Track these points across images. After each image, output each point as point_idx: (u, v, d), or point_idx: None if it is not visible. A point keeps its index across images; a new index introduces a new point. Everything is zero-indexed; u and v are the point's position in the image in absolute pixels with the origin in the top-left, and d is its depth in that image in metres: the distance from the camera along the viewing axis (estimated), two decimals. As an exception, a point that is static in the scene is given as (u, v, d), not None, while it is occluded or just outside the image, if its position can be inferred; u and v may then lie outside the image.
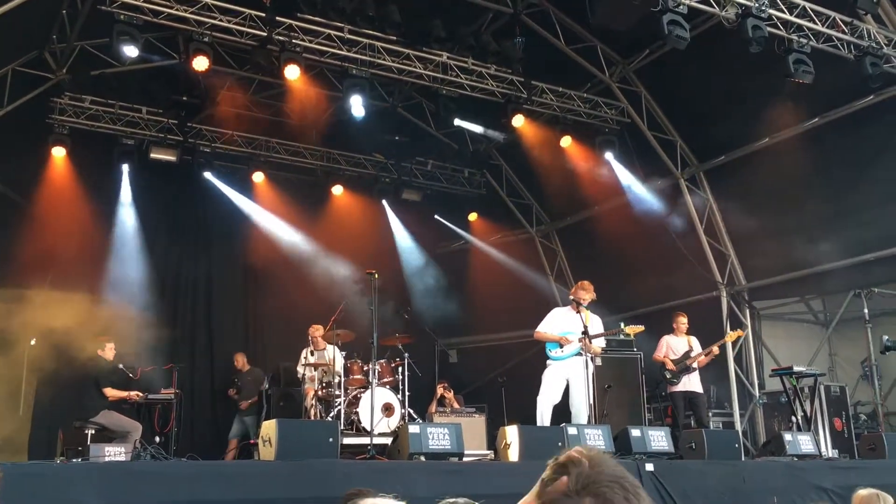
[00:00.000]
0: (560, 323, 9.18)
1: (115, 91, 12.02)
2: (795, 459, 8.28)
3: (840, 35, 9.80)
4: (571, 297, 9.24)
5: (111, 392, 9.05)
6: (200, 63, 9.99)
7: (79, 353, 9.92)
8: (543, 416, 8.96)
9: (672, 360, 10.40)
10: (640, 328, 9.37)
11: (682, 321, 10.56)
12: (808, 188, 11.59)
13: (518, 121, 12.06)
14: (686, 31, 8.95)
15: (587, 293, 9.13)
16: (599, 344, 9.23)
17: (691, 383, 10.34)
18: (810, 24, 9.62)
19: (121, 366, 9.80)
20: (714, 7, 9.19)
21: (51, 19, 10.47)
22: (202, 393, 12.79)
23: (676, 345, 10.50)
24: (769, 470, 7.83)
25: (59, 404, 10.82)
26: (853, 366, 12.73)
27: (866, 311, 9.94)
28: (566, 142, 12.78)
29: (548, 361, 9.19)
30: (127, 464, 5.94)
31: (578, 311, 8.95)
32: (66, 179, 11.84)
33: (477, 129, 13.31)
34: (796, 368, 10.20)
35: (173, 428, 9.43)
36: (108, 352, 9.26)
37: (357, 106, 11.37)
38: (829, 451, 10.55)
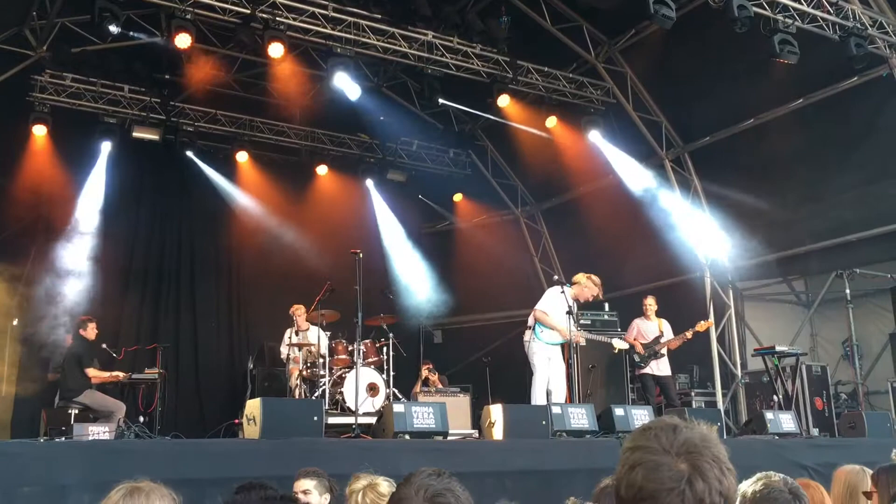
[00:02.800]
0: (558, 305, 9.03)
1: (97, 69, 11.86)
2: (777, 438, 8.36)
3: (825, 15, 9.81)
4: (569, 287, 9.07)
5: (94, 373, 9.02)
6: (183, 41, 9.87)
7: (61, 333, 9.87)
8: (537, 399, 8.99)
9: (642, 344, 10.50)
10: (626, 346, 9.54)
11: (650, 304, 10.65)
12: (792, 169, 11.64)
13: (503, 101, 12.02)
14: (672, 10, 8.94)
15: (598, 289, 9.11)
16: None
17: (660, 368, 10.45)
18: (795, 5, 9.63)
19: (104, 345, 9.77)
20: (700, -13, 9.18)
21: (31, -5, 10.33)
22: (186, 373, 12.76)
23: (646, 328, 10.60)
24: (750, 448, 7.90)
25: (43, 384, 10.77)
26: (834, 346, 12.85)
27: (848, 291, 10.02)
28: (551, 122, 12.76)
29: (533, 342, 9.13)
30: (110, 442, 5.93)
31: (569, 303, 8.84)
32: (47, 158, 11.71)
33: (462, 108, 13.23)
34: (778, 348, 10.31)
35: (157, 407, 9.40)
36: (91, 331, 9.21)
37: (351, 87, 11.31)
38: (809, 429, 10.66)
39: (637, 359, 10.52)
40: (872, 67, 10.39)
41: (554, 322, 8.91)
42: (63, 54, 10.96)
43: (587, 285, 9.07)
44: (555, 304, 9.04)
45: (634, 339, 10.58)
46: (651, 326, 10.57)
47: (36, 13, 10.57)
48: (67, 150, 11.93)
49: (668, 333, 10.54)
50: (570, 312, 8.76)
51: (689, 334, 10.37)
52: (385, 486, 3.55)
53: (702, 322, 10.59)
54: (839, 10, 9.86)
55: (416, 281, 14.56)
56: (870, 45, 9.91)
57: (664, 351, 10.43)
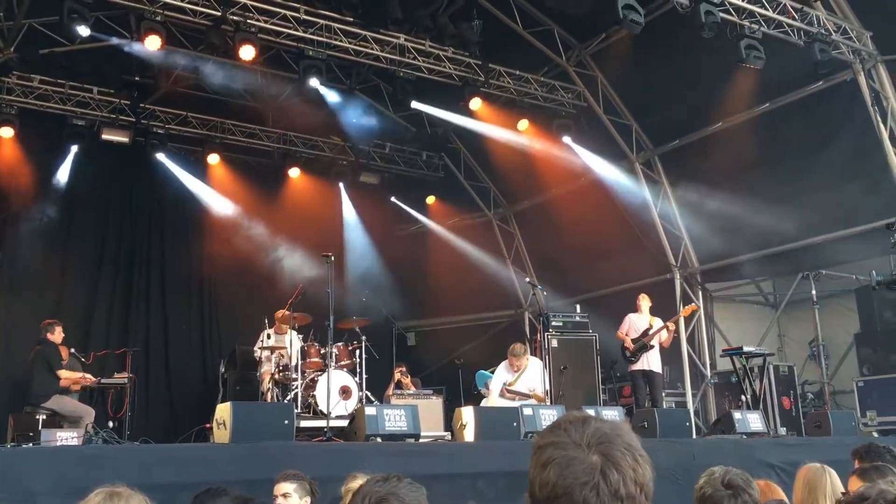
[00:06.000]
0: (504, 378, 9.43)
1: (65, 70, 11.74)
2: (744, 437, 8.47)
3: (790, 21, 9.99)
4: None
5: (64, 374, 8.91)
6: (153, 43, 9.81)
7: (29, 338, 9.75)
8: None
9: (631, 340, 10.54)
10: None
11: (641, 301, 10.70)
12: (759, 172, 11.82)
13: (475, 104, 12.07)
14: (641, 15, 9.05)
15: (518, 360, 9.30)
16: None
17: (650, 363, 10.46)
18: (761, 10, 9.80)
19: (72, 350, 9.65)
20: (668, -8, 9.30)
21: (-3, -4, 10.20)
22: (157, 377, 12.65)
23: (638, 323, 10.63)
24: (719, 447, 8.01)
25: (10, 389, 10.63)
26: (801, 346, 13.04)
27: (814, 292, 10.17)
28: (523, 125, 12.83)
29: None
30: (78, 448, 5.88)
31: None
32: (14, 160, 11.58)
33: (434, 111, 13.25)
34: (746, 349, 10.41)
35: (127, 412, 9.31)
36: (58, 335, 9.09)
37: (322, 90, 11.35)
38: (777, 428, 10.81)
39: (627, 354, 10.53)
40: (837, 72, 10.60)
41: (492, 400, 9.29)
42: (31, 56, 10.81)
43: (512, 356, 9.35)
44: (498, 382, 9.41)
45: (626, 335, 10.59)
46: (643, 321, 10.59)
47: (2, 14, 10.43)
48: (35, 153, 11.81)
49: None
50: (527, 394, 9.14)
51: (671, 325, 10.43)
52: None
53: (685, 307, 10.68)
54: (804, 16, 10.04)
55: (388, 283, 14.57)
56: (834, 51, 10.10)
57: (654, 344, 10.44)
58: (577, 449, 1.47)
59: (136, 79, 12.31)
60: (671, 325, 10.48)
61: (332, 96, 12.47)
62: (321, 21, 10.80)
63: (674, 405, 12.15)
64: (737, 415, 8.79)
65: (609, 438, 1.48)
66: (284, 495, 4.36)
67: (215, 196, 13.51)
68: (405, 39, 11.43)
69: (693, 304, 11.76)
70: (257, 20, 10.34)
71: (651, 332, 10.42)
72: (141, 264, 13.16)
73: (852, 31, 10.42)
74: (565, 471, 1.45)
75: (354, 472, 3.87)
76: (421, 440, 6.97)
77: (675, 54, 11.07)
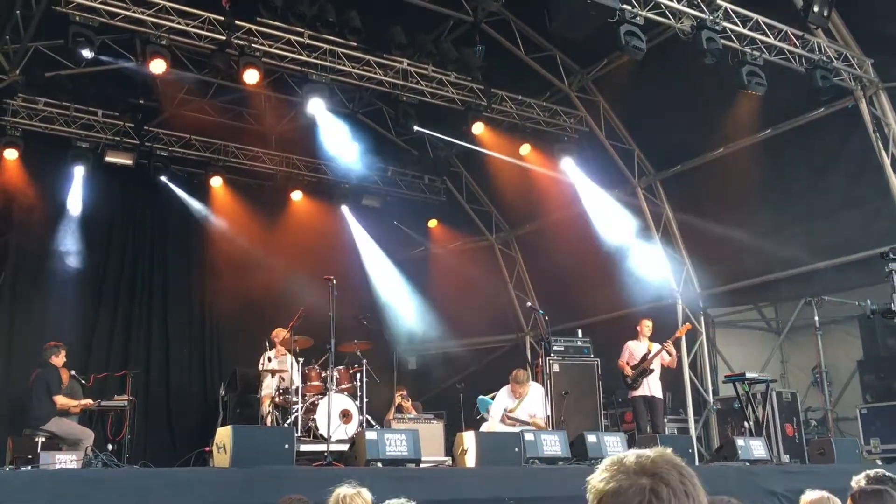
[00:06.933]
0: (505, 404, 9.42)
1: (70, 93, 11.81)
2: (747, 464, 8.42)
3: (792, 48, 10.04)
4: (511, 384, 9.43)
5: (62, 400, 8.87)
6: (157, 66, 9.88)
7: (30, 359, 9.73)
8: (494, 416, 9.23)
9: (630, 366, 10.49)
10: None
11: (644, 326, 10.66)
12: (761, 197, 11.84)
13: (478, 128, 12.13)
14: (643, 41, 9.10)
15: (521, 387, 9.28)
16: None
17: (651, 388, 10.40)
18: (763, 37, 9.85)
19: (72, 372, 9.63)
20: (670, 19, 9.36)
21: (3, 19, 10.24)
22: (157, 400, 12.60)
23: (637, 349, 10.59)
24: (722, 475, 7.95)
25: (9, 411, 10.59)
26: (804, 372, 12.99)
27: (817, 318, 10.14)
28: (525, 149, 12.87)
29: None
30: (77, 471, 5.85)
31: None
32: (18, 182, 11.60)
33: (437, 135, 13.30)
34: (749, 375, 10.35)
35: (126, 435, 9.27)
36: (60, 358, 9.07)
37: (322, 114, 11.40)
38: (780, 455, 10.73)
39: (628, 380, 10.48)
40: (838, 99, 10.65)
41: (492, 426, 9.22)
42: (36, 78, 10.86)
43: (514, 382, 9.35)
44: (499, 407, 9.39)
45: (626, 363, 10.55)
46: (641, 347, 10.55)
47: (9, 37, 10.50)
48: (39, 175, 11.83)
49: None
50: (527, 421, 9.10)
51: (670, 346, 10.38)
52: (367, 495, 3.75)
53: (680, 328, 10.67)
54: (805, 43, 10.09)
55: (391, 306, 14.54)
56: (835, 78, 10.14)
57: (654, 368, 10.39)
58: (625, 477, 1.53)
59: (141, 102, 12.38)
60: (669, 348, 10.45)
61: (334, 120, 12.53)
62: (325, 45, 10.88)
63: (676, 431, 12.07)
64: (740, 441, 8.75)
65: (652, 461, 1.55)
66: None
67: (218, 218, 13.53)
68: (408, 64, 11.50)
69: (687, 323, 11.69)
70: (262, 44, 10.43)
71: (650, 356, 10.38)
72: (143, 286, 13.16)
73: (853, 58, 10.48)
74: (618, 499, 1.51)
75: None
76: (422, 465, 6.93)
77: (677, 80, 11.12)
